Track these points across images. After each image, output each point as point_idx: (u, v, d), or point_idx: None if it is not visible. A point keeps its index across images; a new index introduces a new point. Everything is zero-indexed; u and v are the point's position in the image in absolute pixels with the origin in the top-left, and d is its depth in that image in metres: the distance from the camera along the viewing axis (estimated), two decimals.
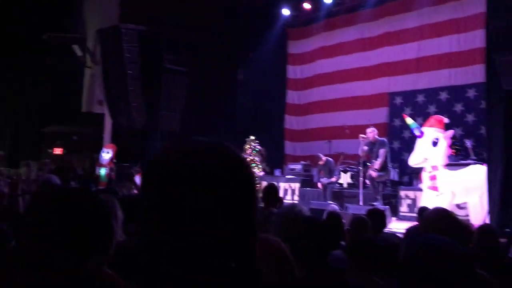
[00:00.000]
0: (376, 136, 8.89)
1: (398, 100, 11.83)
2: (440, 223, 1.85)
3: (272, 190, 4.52)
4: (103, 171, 11.09)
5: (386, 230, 5.85)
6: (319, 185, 10.26)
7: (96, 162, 11.36)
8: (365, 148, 8.86)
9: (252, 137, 12.36)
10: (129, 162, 11.46)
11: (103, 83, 11.59)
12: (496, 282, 2.68)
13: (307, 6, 13.07)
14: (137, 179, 10.48)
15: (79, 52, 12.20)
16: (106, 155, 11.08)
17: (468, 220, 7.69)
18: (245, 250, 0.79)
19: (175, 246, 0.75)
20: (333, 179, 10.07)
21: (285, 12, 13.57)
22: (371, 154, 8.83)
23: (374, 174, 8.65)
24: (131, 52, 11.09)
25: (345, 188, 10.61)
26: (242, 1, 12.95)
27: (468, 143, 9.06)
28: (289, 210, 2.55)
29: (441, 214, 1.91)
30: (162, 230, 0.76)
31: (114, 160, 11.20)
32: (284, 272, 1.30)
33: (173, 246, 0.75)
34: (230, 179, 0.79)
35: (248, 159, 12.07)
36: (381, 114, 12.04)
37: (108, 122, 12.17)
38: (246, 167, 0.85)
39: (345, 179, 10.89)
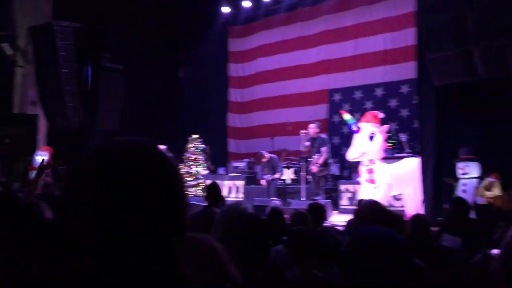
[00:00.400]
0: (318, 132, 9.10)
1: (337, 97, 12.16)
2: (371, 215, 1.92)
3: (214, 189, 4.51)
4: None
5: (327, 223, 6.02)
6: (263, 182, 10.36)
7: (30, 165, 10.82)
8: (307, 143, 9.04)
9: (195, 136, 12.26)
10: (66, 164, 11.01)
11: (37, 82, 11.05)
12: (428, 270, 2.83)
13: (246, 4, 13.11)
14: None
15: (9, 51, 11.56)
16: (40, 158, 10.58)
17: (403, 210, 8.06)
18: (167, 251, 0.77)
19: (95, 246, 0.73)
20: (276, 176, 10.21)
21: (225, 10, 13.55)
22: (312, 149, 9.03)
23: (315, 169, 8.85)
24: (65, 50, 10.64)
25: (288, 184, 10.77)
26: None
27: (403, 137, 9.47)
28: (231, 209, 2.55)
29: (372, 207, 1.99)
30: (83, 230, 0.73)
31: (51, 163, 10.71)
32: (215, 273, 1.29)
33: (93, 246, 0.73)
34: (154, 179, 0.77)
35: (191, 158, 11.96)
36: (321, 110, 12.33)
37: (42, 123, 11.63)
38: (173, 167, 0.83)
39: (288, 175, 11.05)
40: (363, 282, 1.53)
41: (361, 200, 6.23)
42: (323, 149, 8.85)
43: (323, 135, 9.42)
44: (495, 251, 2.49)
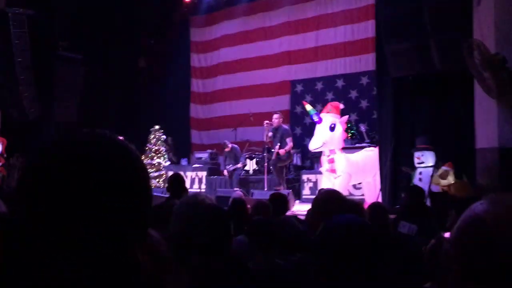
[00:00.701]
0: (281, 123, 9.18)
1: (299, 88, 12.28)
2: (329, 204, 1.97)
3: (177, 180, 4.47)
4: None
5: (290, 213, 6.11)
6: (225, 172, 10.37)
7: None
8: (270, 134, 9.11)
9: (157, 127, 12.13)
10: (23, 156, 10.67)
11: None
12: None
13: None
14: None
15: None
16: None
17: (363, 199, 8.27)
18: (126, 257, 0.72)
19: (48, 244, 0.69)
20: (239, 165, 10.24)
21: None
22: (274, 139, 9.11)
23: (277, 159, 8.94)
24: (20, 38, 10.22)
25: (251, 175, 10.83)
26: None
27: (362, 128, 9.69)
28: (190, 200, 2.56)
29: (330, 196, 2.04)
30: (37, 227, 0.69)
31: (4, 155, 10.36)
32: (160, 272, 1.29)
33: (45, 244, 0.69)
34: (116, 173, 0.72)
35: (153, 149, 11.83)
36: (284, 101, 12.42)
37: None
38: (136, 159, 0.77)
39: (250, 165, 11.11)
40: (332, 270, 1.56)
41: (321, 190, 6.36)
42: (288, 140, 8.95)
43: (285, 126, 9.52)
44: (447, 234, 2.60)
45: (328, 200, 1.97)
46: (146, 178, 0.77)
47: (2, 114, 10.90)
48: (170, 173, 11.78)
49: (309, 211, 5.01)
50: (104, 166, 0.72)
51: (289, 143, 8.95)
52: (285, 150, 8.92)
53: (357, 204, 2.65)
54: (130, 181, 0.74)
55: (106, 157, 0.73)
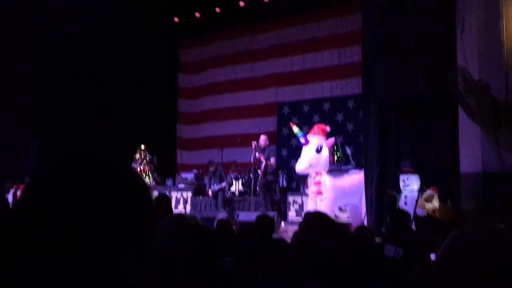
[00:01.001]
0: (267, 144, 9.20)
1: (286, 110, 12.35)
2: (318, 228, 1.96)
3: (164, 201, 4.38)
4: None
5: (275, 235, 6.06)
6: (209, 192, 10.28)
7: None
8: (257, 154, 9.12)
9: (143, 146, 12.04)
10: None
11: None
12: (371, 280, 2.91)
13: (197, 15, 13.11)
14: (10, 196, 9.65)
15: None
16: None
17: (349, 221, 8.26)
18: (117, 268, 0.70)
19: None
20: (223, 185, 10.15)
21: (176, 20, 13.48)
22: (260, 161, 9.12)
23: (263, 181, 8.92)
24: None
25: (236, 196, 10.77)
26: (131, 8, 12.60)
27: (348, 150, 9.74)
28: (176, 219, 2.52)
29: (318, 219, 2.03)
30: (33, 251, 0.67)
31: None
32: None
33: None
34: (120, 193, 0.73)
35: (139, 168, 11.72)
36: (270, 123, 12.46)
37: None
38: (139, 180, 0.78)
39: (236, 186, 11.06)
40: None
41: (308, 212, 6.35)
42: (272, 159, 8.95)
43: (272, 147, 9.53)
44: (433, 256, 2.61)
45: (317, 224, 1.96)
46: (149, 197, 0.77)
47: None
48: (155, 193, 11.70)
49: (295, 233, 4.98)
50: (107, 188, 0.72)
51: (272, 164, 8.96)
52: (270, 165, 8.91)
53: (345, 227, 2.64)
54: (132, 198, 0.74)
55: (111, 179, 0.74)
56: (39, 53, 10.88)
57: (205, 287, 1.99)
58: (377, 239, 5.14)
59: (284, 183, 11.04)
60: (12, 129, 10.41)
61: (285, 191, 10.59)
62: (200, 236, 1.98)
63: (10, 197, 9.61)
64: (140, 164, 11.75)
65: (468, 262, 0.96)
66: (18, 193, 9.51)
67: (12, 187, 9.70)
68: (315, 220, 1.99)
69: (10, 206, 9.29)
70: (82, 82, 11.94)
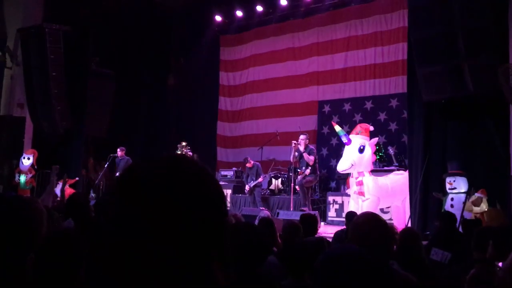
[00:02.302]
0: (307, 143, 9.11)
1: (326, 108, 12.22)
2: (367, 226, 1.92)
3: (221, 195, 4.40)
4: (23, 178, 10.46)
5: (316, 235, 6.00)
6: (246, 188, 10.30)
7: (15, 168, 10.67)
8: (296, 154, 9.05)
9: (184, 143, 12.20)
10: (51, 168, 10.89)
11: (25, 85, 10.91)
12: (418, 283, 2.83)
13: (239, 13, 13.17)
14: (58, 188, 9.99)
15: None
16: (27, 161, 10.45)
17: (391, 223, 8.09)
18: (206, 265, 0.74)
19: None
20: (259, 180, 10.12)
21: (218, 18, 13.60)
22: (301, 160, 9.04)
23: (303, 180, 8.85)
24: (55, 53, 10.53)
25: (275, 194, 10.75)
26: (174, 6, 12.81)
27: (391, 150, 9.53)
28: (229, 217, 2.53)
29: (369, 218, 1.98)
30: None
31: (35, 166, 10.60)
32: None
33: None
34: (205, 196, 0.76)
35: None
36: (311, 121, 12.37)
37: (29, 126, 11.47)
38: (217, 183, 0.81)
39: (276, 185, 11.05)
40: None
41: (350, 212, 6.24)
42: (311, 158, 8.84)
43: (311, 146, 9.44)
44: (500, 264, 2.50)
45: (369, 223, 1.92)
46: (222, 194, 0.80)
47: (34, 126, 11.19)
48: None
49: (336, 232, 4.91)
50: (188, 181, 0.76)
51: (311, 163, 8.83)
52: (309, 171, 8.78)
53: (392, 230, 2.58)
54: (211, 197, 0.77)
55: (191, 173, 0.78)
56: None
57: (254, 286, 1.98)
58: (423, 243, 5.02)
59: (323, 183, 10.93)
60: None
61: (324, 191, 10.50)
62: (252, 233, 1.97)
63: (57, 191, 9.95)
64: None
65: None
66: (66, 187, 9.83)
67: (59, 181, 10.04)
68: (367, 220, 1.94)
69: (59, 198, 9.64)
70: (126, 78, 12.21)
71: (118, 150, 10.86)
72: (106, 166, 10.91)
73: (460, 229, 5.66)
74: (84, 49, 11.14)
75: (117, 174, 10.43)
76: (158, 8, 12.72)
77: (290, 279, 2.52)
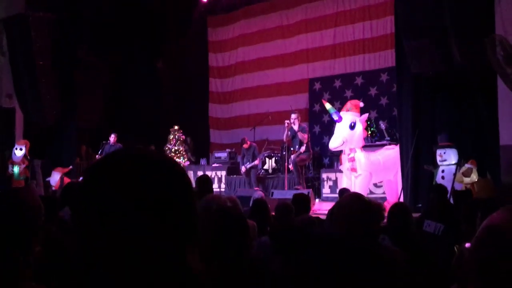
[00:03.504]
0: (299, 122, 9.15)
1: (317, 86, 12.20)
2: (354, 210, 1.97)
3: (205, 182, 4.39)
4: (16, 169, 10.44)
5: (310, 212, 6.09)
6: (242, 169, 10.36)
7: (8, 159, 10.64)
8: (289, 133, 9.09)
9: (176, 127, 12.20)
10: (45, 158, 10.89)
11: (12, 75, 10.81)
12: (406, 253, 2.91)
13: None
14: (54, 176, 10.01)
15: None
16: (19, 152, 10.41)
17: (385, 197, 8.20)
18: (179, 258, 0.77)
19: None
20: (256, 162, 10.19)
21: None
22: (293, 140, 9.09)
23: (297, 159, 8.91)
24: (40, 42, 10.41)
25: (270, 174, 10.82)
26: None
27: (382, 125, 9.57)
28: (211, 203, 2.56)
29: (353, 199, 2.03)
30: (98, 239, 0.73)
31: (28, 157, 10.57)
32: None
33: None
34: (169, 190, 0.78)
35: (173, 149, 11.91)
36: (302, 99, 12.37)
37: (20, 117, 11.41)
38: (184, 176, 0.83)
39: (270, 164, 11.10)
40: None
41: (343, 189, 6.33)
42: (305, 136, 8.90)
43: (303, 124, 9.48)
44: (468, 244, 2.57)
45: (353, 205, 1.96)
46: (192, 194, 0.82)
47: (24, 117, 11.12)
48: (190, 172, 11.89)
49: (330, 213, 4.98)
50: (157, 184, 0.77)
51: (304, 141, 8.90)
52: (302, 149, 8.86)
53: (378, 205, 2.63)
54: (180, 197, 0.79)
55: (159, 176, 0.79)
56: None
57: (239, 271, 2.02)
58: (415, 215, 5.10)
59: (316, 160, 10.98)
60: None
61: (318, 168, 10.57)
62: (234, 222, 2.00)
63: (52, 181, 9.97)
64: (174, 145, 11.93)
65: (499, 254, 0.96)
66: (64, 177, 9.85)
67: (54, 171, 10.04)
68: (352, 202, 1.99)
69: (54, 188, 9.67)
70: (114, 64, 12.12)
71: (112, 135, 10.83)
72: (99, 153, 10.91)
73: (451, 200, 5.75)
74: (71, 36, 11.01)
75: None
76: None
77: (279, 260, 2.57)
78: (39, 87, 10.42)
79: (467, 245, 2.47)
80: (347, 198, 2.04)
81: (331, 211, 4.67)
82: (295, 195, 4.46)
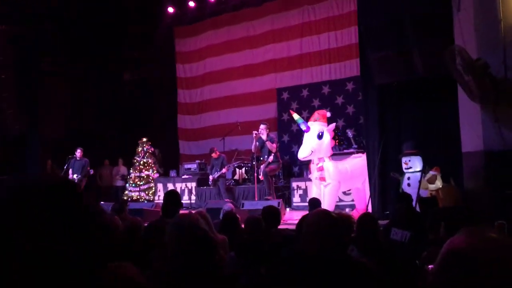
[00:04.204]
0: (267, 132, 9.19)
1: (285, 95, 12.32)
2: (319, 223, 2.00)
3: (173, 198, 4.30)
4: None
5: (282, 222, 6.10)
6: (210, 178, 10.31)
7: None
8: (257, 143, 9.12)
9: (145, 139, 12.06)
10: (8, 173, 10.54)
11: None
12: (375, 262, 2.96)
13: (191, 3, 13.02)
14: None
15: None
16: None
17: (353, 204, 8.32)
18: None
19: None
20: (223, 171, 10.16)
21: (170, 10, 13.40)
22: (262, 150, 9.13)
23: (267, 169, 8.95)
24: (3, 55, 10.17)
25: (240, 184, 10.81)
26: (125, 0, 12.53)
27: (349, 133, 9.74)
28: (181, 225, 2.55)
29: (320, 216, 2.06)
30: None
31: None
32: None
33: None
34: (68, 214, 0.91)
35: (142, 161, 11.76)
36: (271, 109, 12.45)
37: None
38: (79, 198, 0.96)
39: (240, 174, 11.10)
40: None
41: (313, 198, 6.37)
42: (273, 145, 8.96)
43: (271, 134, 9.53)
44: (430, 266, 2.64)
45: (320, 222, 1.99)
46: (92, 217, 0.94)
47: None
48: (160, 185, 11.75)
49: (299, 228, 5.01)
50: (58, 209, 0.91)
51: (273, 151, 8.97)
52: (271, 159, 8.92)
53: (347, 220, 2.68)
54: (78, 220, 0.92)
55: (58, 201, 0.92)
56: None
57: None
58: (382, 222, 5.19)
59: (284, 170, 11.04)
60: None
61: (288, 177, 10.63)
62: (203, 244, 2.00)
63: None
64: (143, 157, 11.78)
65: (462, 276, 0.99)
66: None
67: None
68: (319, 220, 2.02)
69: None
70: (80, 77, 11.91)
71: (78, 150, 10.63)
72: (65, 167, 10.67)
73: (418, 207, 5.88)
74: (33, 49, 10.78)
75: (71, 175, 10.22)
76: (110, 2, 12.41)
77: (247, 276, 2.57)
78: (1, 101, 10.15)
79: (430, 267, 2.54)
80: (315, 216, 2.07)
81: (299, 226, 4.72)
82: (264, 208, 4.46)
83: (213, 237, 2.23)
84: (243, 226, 4.44)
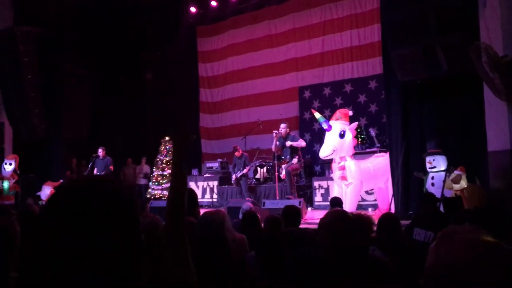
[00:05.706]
0: (288, 132, 9.16)
1: (307, 94, 12.25)
2: (332, 225, 1.97)
3: (189, 197, 4.34)
4: (6, 184, 10.33)
5: (302, 221, 6.07)
6: (233, 177, 10.33)
7: None
8: (278, 143, 9.10)
9: (167, 138, 12.16)
10: (34, 172, 10.78)
11: (0, 90, 10.74)
12: (397, 263, 2.91)
13: (214, 3, 13.07)
14: (45, 190, 9.92)
15: None
16: (9, 166, 10.31)
17: (376, 204, 8.21)
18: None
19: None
20: (245, 170, 10.17)
21: (192, 9, 13.48)
22: (284, 149, 9.10)
23: (289, 168, 8.91)
24: (28, 56, 10.36)
25: (261, 183, 10.80)
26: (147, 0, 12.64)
27: (372, 132, 9.62)
28: (207, 224, 2.55)
29: (335, 217, 2.03)
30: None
31: (18, 171, 10.48)
32: None
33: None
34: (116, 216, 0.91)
35: (164, 160, 11.86)
36: (292, 108, 12.40)
37: (8, 131, 11.32)
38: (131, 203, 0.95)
39: (261, 173, 11.09)
40: None
41: (334, 198, 6.31)
42: (294, 143, 8.93)
43: (292, 133, 9.49)
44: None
45: (334, 224, 1.96)
46: (137, 219, 0.94)
47: (13, 131, 11.04)
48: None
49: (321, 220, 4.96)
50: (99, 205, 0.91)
51: (301, 142, 8.99)
52: (296, 159, 8.90)
53: (365, 221, 2.63)
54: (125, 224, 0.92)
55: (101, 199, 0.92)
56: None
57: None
58: (405, 222, 5.10)
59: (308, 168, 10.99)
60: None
61: (310, 176, 10.57)
62: (221, 247, 2.00)
63: (42, 195, 9.88)
64: (165, 156, 11.88)
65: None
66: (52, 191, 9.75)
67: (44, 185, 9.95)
68: (336, 222, 1.99)
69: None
70: (103, 77, 12.08)
71: (100, 149, 10.79)
72: (89, 166, 10.85)
73: (442, 208, 5.77)
74: (58, 50, 10.98)
75: (96, 173, 10.38)
76: (132, 3, 12.54)
77: (266, 279, 2.55)
78: (27, 102, 10.37)
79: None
80: (328, 218, 2.04)
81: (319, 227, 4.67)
82: (285, 208, 4.43)
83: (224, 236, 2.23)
84: (263, 225, 4.42)
